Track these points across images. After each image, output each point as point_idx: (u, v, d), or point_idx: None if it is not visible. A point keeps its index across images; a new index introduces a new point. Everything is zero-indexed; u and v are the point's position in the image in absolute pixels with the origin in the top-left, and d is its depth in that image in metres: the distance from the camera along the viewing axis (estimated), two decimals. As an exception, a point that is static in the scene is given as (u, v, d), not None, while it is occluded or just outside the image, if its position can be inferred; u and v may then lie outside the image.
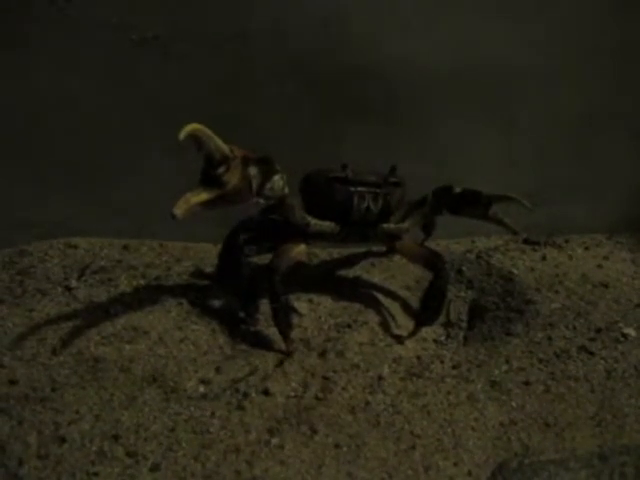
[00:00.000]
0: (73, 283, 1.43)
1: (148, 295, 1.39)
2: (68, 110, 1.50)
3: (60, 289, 1.41)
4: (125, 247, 1.63)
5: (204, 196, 0.98)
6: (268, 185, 1.10)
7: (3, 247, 1.57)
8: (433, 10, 1.57)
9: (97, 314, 1.30)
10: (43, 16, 1.42)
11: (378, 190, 1.29)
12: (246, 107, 1.54)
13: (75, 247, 1.61)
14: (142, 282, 1.45)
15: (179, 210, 0.94)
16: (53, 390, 1.10)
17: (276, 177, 1.11)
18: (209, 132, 0.95)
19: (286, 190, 1.16)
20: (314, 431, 1.05)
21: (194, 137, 0.94)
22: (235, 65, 1.52)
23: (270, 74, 1.54)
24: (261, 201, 1.12)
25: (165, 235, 1.65)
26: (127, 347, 1.21)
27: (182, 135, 0.90)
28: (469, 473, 0.99)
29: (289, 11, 1.50)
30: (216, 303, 1.39)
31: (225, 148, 0.98)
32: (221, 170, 0.98)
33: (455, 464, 1.00)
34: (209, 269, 1.54)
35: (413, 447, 1.03)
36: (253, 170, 1.05)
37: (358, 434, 1.05)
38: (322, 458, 1.00)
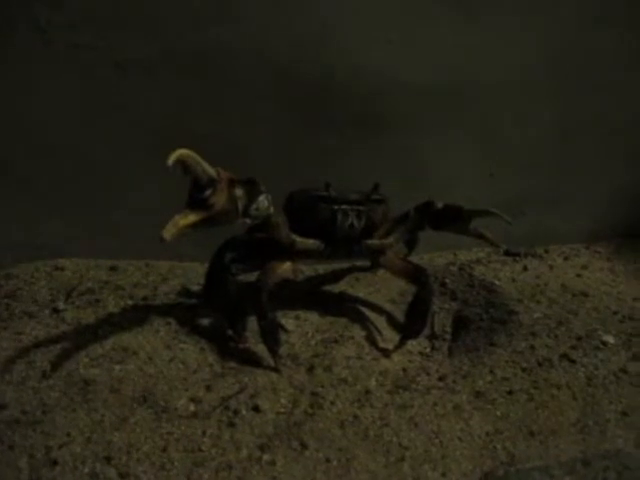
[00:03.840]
0: (60, 305, 1.43)
1: (136, 315, 1.40)
2: (51, 132, 1.51)
3: (48, 311, 1.41)
4: (112, 268, 1.63)
5: (192, 218, 0.99)
6: (254, 206, 1.12)
7: (-11, 271, 1.56)
8: (414, 25, 1.60)
9: (85, 336, 1.31)
10: (25, 39, 1.43)
11: (361, 207, 1.32)
12: (230, 127, 1.56)
13: (62, 269, 1.61)
14: (130, 302, 1.46)
15: (168, 233, 0.95)
16: (43, 413, 1.10)
17: (261, 197, 1.13)
18: (196, 157, 0.97)
19: (271, 210, 1.18)
20: (304, 446, 1.06)
21: (181, 162, 0.95)
22: (218, 85, 1.54)
23: (253, 93, 1.57)
24: (247, 221, 1.14)
25: (152, 255, 1.66)
26: (116, 368, 1.22)
27: (170, 161, 0.92)
28: (457, 483, 1.02)
29: (271, 28, 1.53)
30: (204, 322, 1.40)
31: (212, 171, 1.00)
32: (208, 193, 1.00)
33: (443, 474, 1.02)
34: (196, 288, 1.55)
35: (402, 459, 1.05)
36: (239, 192, 1.07)
37: (348, 448, 1.06)
38: (313, 473, 1.01)
